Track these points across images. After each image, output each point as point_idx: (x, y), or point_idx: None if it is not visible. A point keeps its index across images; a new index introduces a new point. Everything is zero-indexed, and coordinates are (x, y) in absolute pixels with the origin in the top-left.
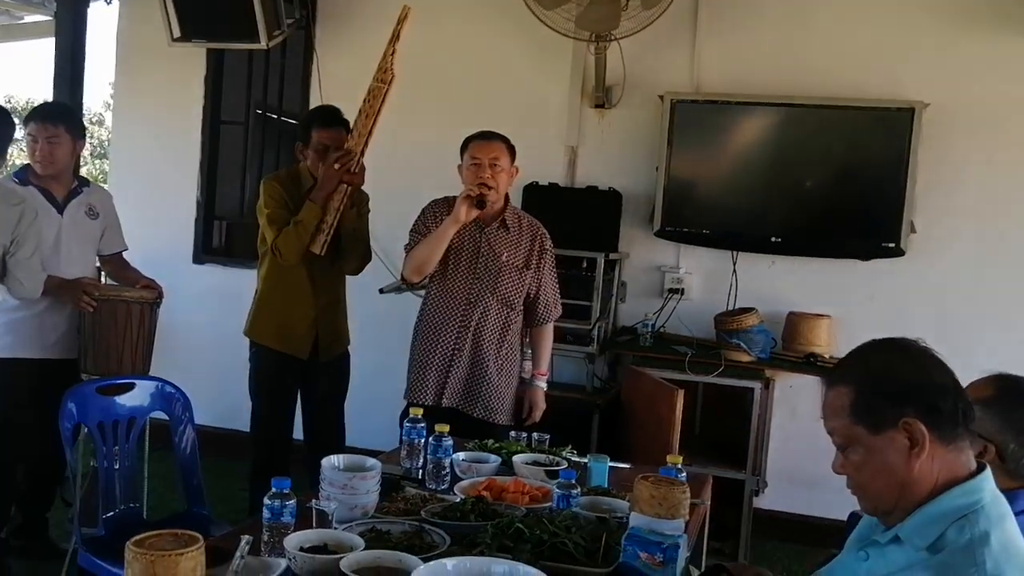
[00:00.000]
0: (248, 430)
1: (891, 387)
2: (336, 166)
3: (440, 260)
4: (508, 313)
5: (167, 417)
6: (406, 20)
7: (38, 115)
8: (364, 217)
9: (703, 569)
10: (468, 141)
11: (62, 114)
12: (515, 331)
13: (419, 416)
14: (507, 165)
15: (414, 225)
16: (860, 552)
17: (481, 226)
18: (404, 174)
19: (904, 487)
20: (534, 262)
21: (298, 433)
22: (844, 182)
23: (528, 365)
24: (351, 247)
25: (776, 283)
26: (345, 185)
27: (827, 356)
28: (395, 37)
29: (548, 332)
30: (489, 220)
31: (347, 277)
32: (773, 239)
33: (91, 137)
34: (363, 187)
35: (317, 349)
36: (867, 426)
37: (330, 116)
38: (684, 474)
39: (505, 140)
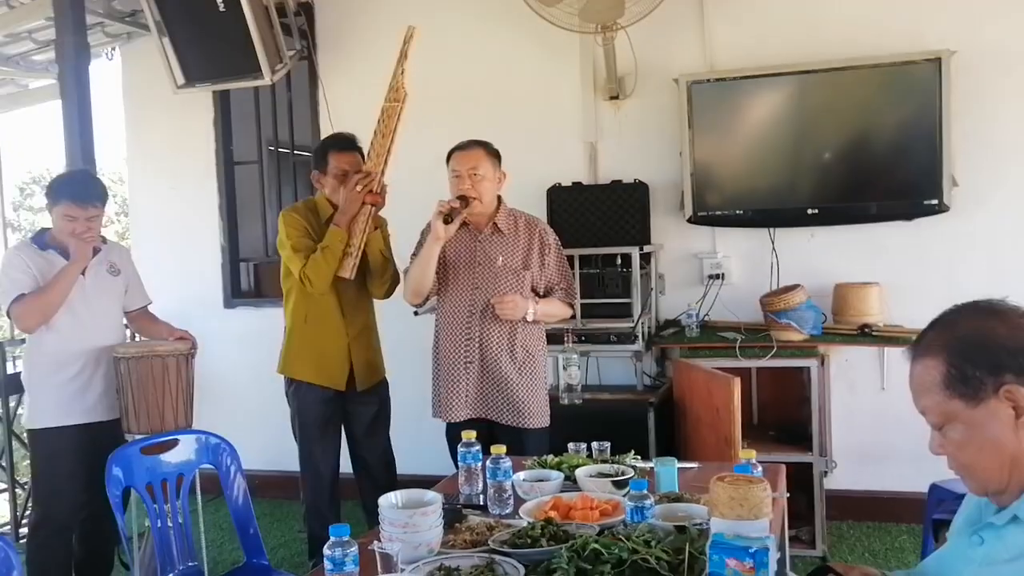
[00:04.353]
0: (297, 470)
1: (985, 353)
2: (358, 188)
3: (441, 273)
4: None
5: (215, 468)
6: (412, 39)
7: (75, 196)
8: (386, 239)
9: (809, 570)
10: (450, 153)
11: (96, 190)
12: (526, 333)
13: (473, 440)
14: (489, 172)
15: (415, 248)
16: (974, 536)
17: (475, 234)
18: (423, 191)
19: (1015, 461)
20: (535, 260)
21: (347, 467)
22: (876, 144)
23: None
24: (380, 270)
25: (818, 256)
26: (369, 206)
27: (882, 324)
28: (403, 56)
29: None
30: (482, 227)
31: (376, 304)
32: (810, 211)
33: (114, 196)
34: (383, 208)
35: (353, 379)
36: (964, 399)
37: (346, 141)
38: (760, 469)
39: (485, 146)
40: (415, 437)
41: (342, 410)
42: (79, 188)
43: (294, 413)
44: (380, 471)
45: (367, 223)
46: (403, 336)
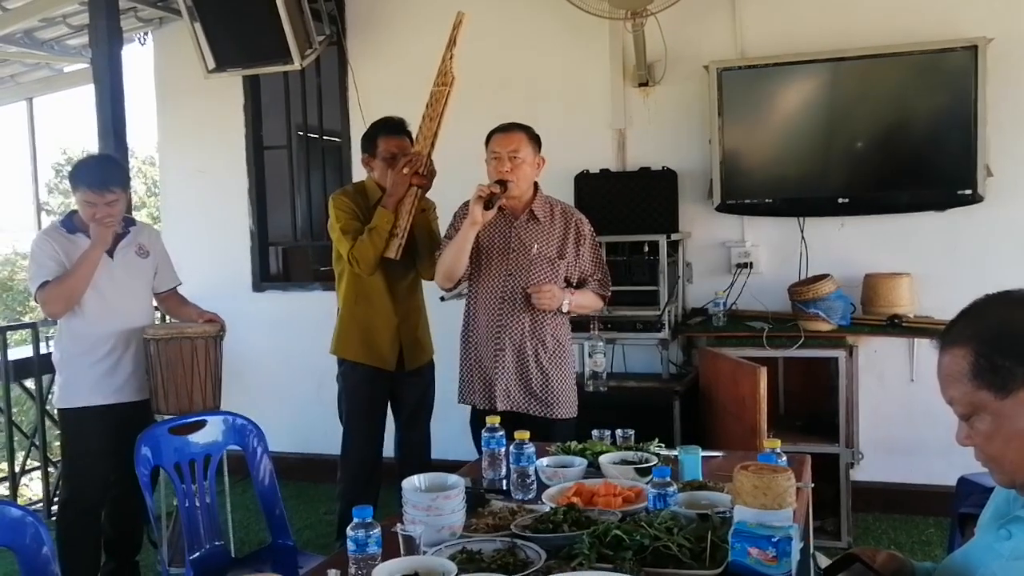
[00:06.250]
0: (326, 452)
1: (1015, 343)
2: (405, 170)
3: (474, 259)
4: None
5: (242, 450)
6: (461, 25)
7: (91, 182)
8: (434, 222)
9: (832, 560)
10: (490, 134)
11: (114, 176)
12: (557, 322)
13: (497, 424)
14: (529, 156)
15: (446, 231)
16: (1001, 531)
17: (511, 220)
18: (458, 176)
19: None
20: (571, 250)
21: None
22: (909, 132)
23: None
24: (428, 251)
25: (848, 245)
26: (416, 188)
27: (912, 316)
28: (451, 42)
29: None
30: (518, 213)
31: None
32: (840, 200)
33: (145, 176)
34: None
35: (402, 360)
36: (992, 389)
37: (395, 125)
38: (784, 458)
39: (527, 130)
40: (440, 422)
41: (390, 393)
42: (96, 174)
43: (341, 392)
44: (420, 454)
45: (414, 205)
46: (433, 320)
